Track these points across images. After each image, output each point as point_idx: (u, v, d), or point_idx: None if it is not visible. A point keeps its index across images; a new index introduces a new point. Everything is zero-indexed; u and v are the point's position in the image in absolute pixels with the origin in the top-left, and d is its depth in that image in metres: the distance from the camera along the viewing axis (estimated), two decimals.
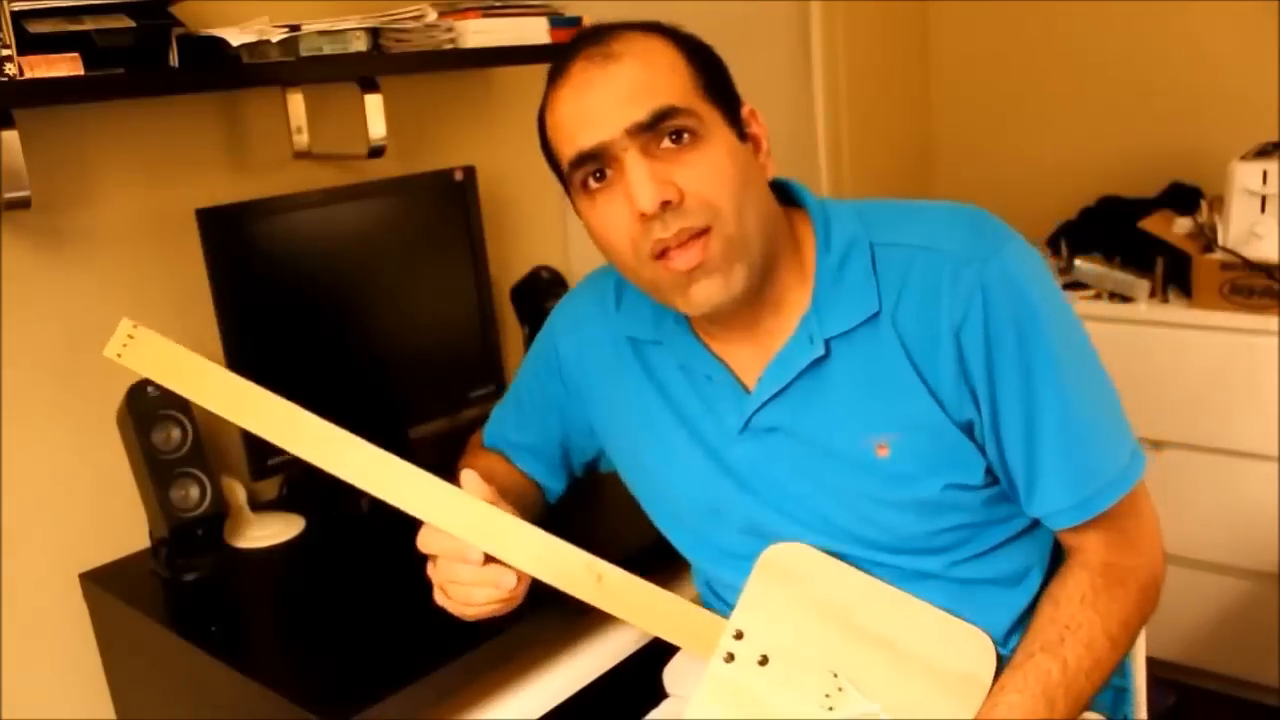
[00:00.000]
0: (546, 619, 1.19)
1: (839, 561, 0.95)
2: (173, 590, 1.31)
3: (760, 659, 0.94)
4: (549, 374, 1.14)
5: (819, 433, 0.95)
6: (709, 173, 0.88)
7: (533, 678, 1.20)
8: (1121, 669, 1.07)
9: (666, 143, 0.88)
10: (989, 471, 0.93)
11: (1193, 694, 2.12)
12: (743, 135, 0.93)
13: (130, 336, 0.92)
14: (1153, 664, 1.16)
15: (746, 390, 0.98)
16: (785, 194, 1.00)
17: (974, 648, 0.94)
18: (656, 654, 1.22)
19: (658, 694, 1.21)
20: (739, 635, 0.95)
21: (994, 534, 0.96)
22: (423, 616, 1.18)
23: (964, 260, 0.90)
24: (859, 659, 0.93)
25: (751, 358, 0.98)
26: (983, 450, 0.93)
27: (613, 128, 0.87)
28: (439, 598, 0.96)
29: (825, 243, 0.96)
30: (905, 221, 0.96)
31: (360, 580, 1.30)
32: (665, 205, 0.87)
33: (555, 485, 1.19)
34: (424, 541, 0.94)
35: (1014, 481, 0.94)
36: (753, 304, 0.94)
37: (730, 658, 0.94)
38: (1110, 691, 1.05)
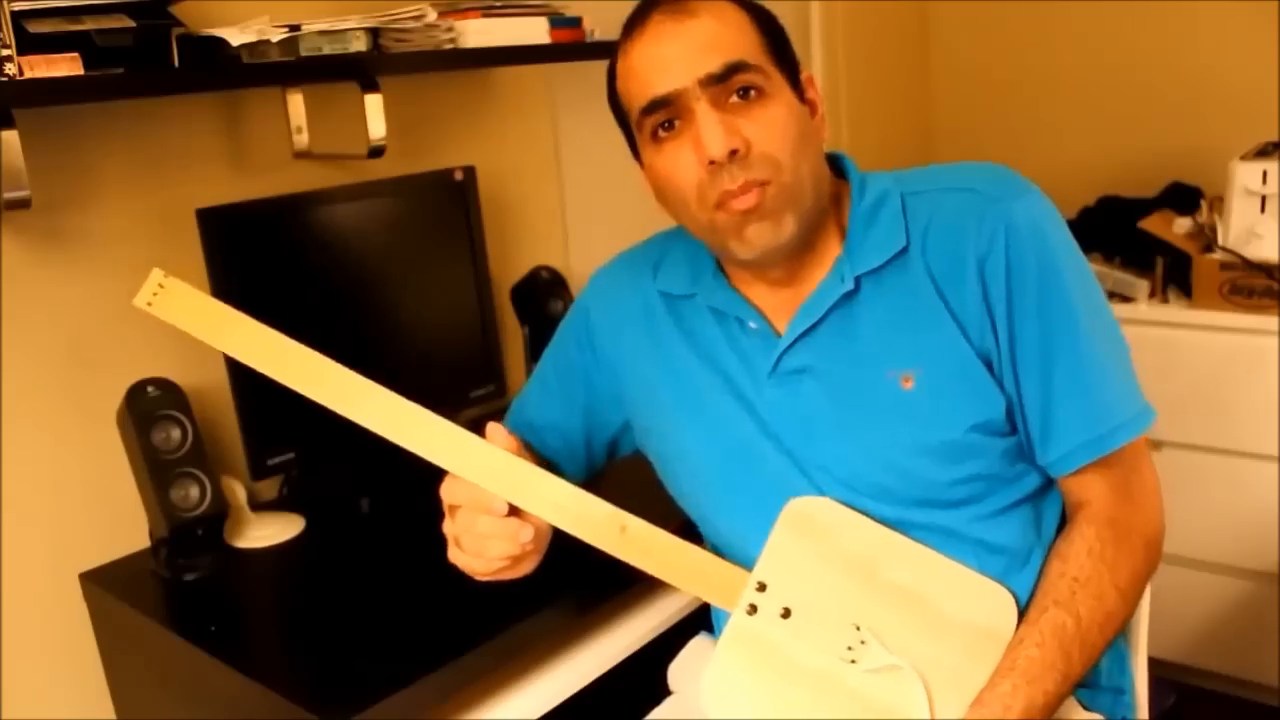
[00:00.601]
0: (547, 619, 1.19)
1: (862, 515, 0.96)
2: (173, 590, 1.31)
3: (783, 611, 0.94)
4: (578, 344, 1.15)
5: (846, 371, 0.97)
6: (773, 128, 0.93)
7: (533, 678, 1.20)
8: (1120, 668, 1.07)
9: (734, 98, 0.93)
10: (1009, 416, 0.96)
11: (1193, 694, 2.12)
12: (802, 99, 0.99)
13: (161, 286, 0.93)
14: (1153, 664, 1.16)
15: (778, 334, 1.01)
16: (830, 164, 1.05)
17: (995, 603, 0.94)
18: (659, 652, 1.23)
19: (660, 692, 1.21)
20: (761, 587, 0.95)
21: (1007, 493, 0.98)
22: (423, 616, 1.18)
23: (991, 198, 0.95)
24: (881, 611, 0.93)
25: (784, 305, 1.01)
26: (1001, 386, 0.95)
27: (686, 77, 0.92)
28: (452, 553, 0.97)
29: (860, 194, 1.01)
30: (935, 174, 1.03)
31: (360, 580, 1.30)
32: (733, 154, 0.91)
33: (572, 470, 1.19)
34: (448, 491, 0.95)
35: (1028, 420, 0.96)
36: (791, 258, 0.98)
37: (753, 610, 0.95)
38: (1109, 693, 1.05)
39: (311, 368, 0.93)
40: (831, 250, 1.01)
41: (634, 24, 0.97)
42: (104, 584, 1.34)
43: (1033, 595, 0.97)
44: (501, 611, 1.16)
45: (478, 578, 0.97)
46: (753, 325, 1.02)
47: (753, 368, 1.02)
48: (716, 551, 1.09)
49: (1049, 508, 1.02)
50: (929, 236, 0.96)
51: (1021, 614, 0.96)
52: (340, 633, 1.18)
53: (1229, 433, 1.99)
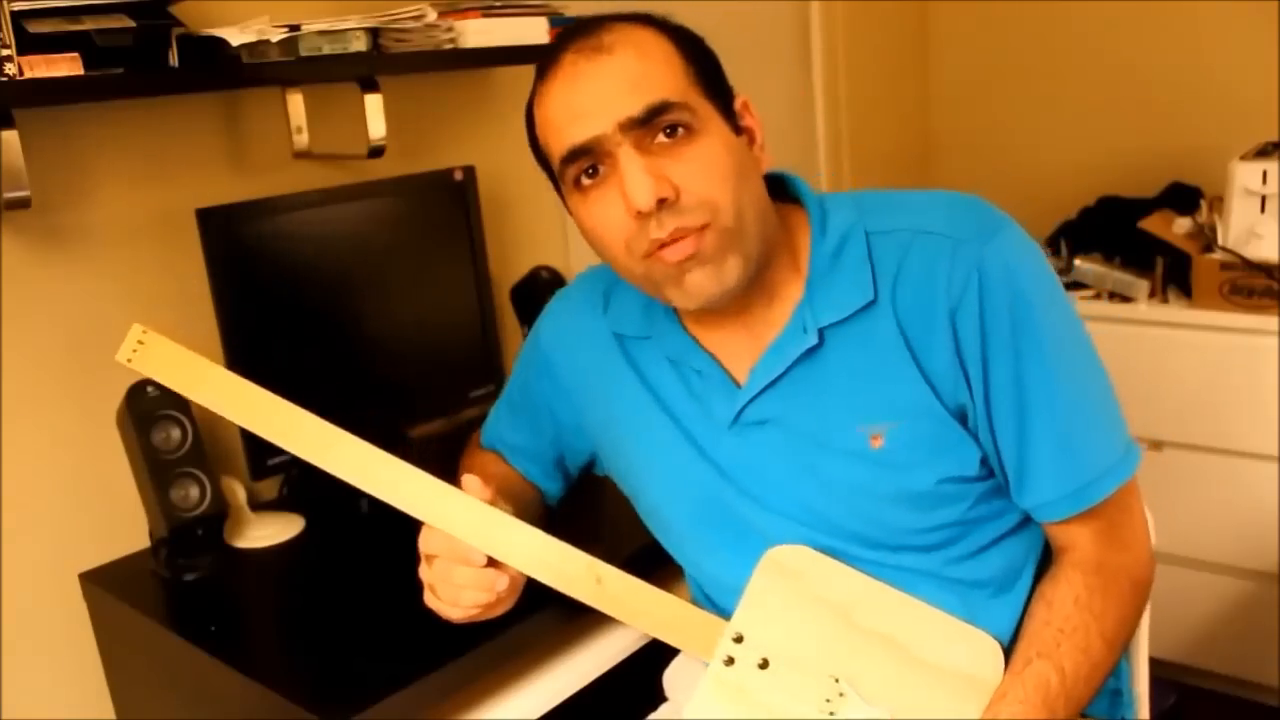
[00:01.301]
0: (546, 620, 1.18)
1: (840, 563, 0.95)
2: (173, 590, 1.31)
3: (760, 662, 0.93)
4: (538, 375, 1.14)
5: (812, 423, 0.94)
6: (705, 168, 0.87)
7: (533, 678, 1.20)
8: (1117, 671, 1.07)
9: (661, 137, 0.86)
10: (984, 463, 0.93)
11: (1193, 694, 2.12)
12: (737, 129, 0.92)
13: (141, 342, 0.93)
14: (1153, 664, 1.16)
15: (737, 384, 0.97)
16: (779, 187, 1.00)
17: (977, 649, 0.93)
18: (655, 656, 1.22)
19: (657, 697, 1.21)
20: (739, 638, 0.94)
21: (986, 531, 0.96)
22: (423, 616, 1.18)
23: (961, 241, 0.89)
24: (861, 661, 0.92)
25: (743, 349, 0.97)
26: (976, 439, 0.92)
27: (605, 122, 0.85)
28: (428, 598, 0.96)
29: (821, 230, 0.95)
30: (901, 208, 0.95)
31: (360, 580, 1.30)
32: (661, 203, 0.85)
33: (552, 488, 1.18)
34: (425, 542, 0.93)
35: (1006, 470, 0.93)
36: (745, 296, 0.93)
37: (730, 661, 0.94)
38: (1106, 696, 1.04)
39: (291, 421, 0.93)
40: (790, 289, 0.95)
41: (547, 65, 0.90)
42: (104, 584, 1.34)
43: (1020, 624, 0.95)
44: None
45: (453, 622, 0.96)
46: (708, 374, 0.98)
47: (711, 416, 0.98)
48: (697, 584, 1.09)
49: (1034, 531, 1.00)
50: (898, 286, 0.91)
51: (1008, 641, 0.94)
52: (340, 633, 1.18)
53: (1229, 433, 1.98)
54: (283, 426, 0.93)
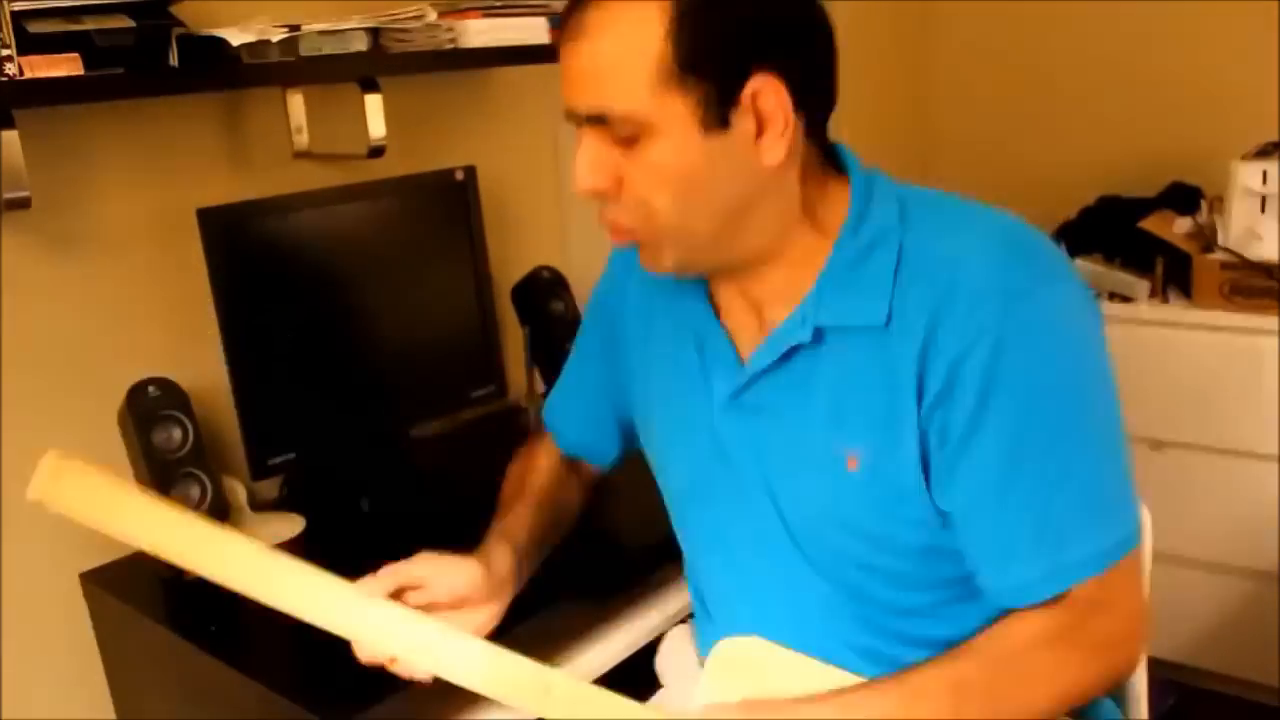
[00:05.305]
0: (546, 620, 1.19)
1: (792, 652, 0.92)
2: (173, 590, 1.31)
3: None
4: (596, 324, 1.14)
5: (799, 426, 0.90)
6: (647, 172, 0.84)
7: None
8: None
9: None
10: (939, 515, 0.87)
11: (1193, 694, 2.12)
12: (724, 119, 0.82)
13: (56, 475, 0.88)
14: (1153, 664, 1.16)
15: (742, 362, 0.94)
16: (832, 156, 0.95)
17: None
18: (654, 654, 1.22)
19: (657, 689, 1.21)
20: None
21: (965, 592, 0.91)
22: None
23: (990, 292, 0.82)
24: None
25: (752, 329, 0.94)
26: (948, 494, 0.86)
27: (570, 103, 0.86)
28: None
29: (856, 223, 0.88)
30: (947, 230, 0.87)
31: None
32: (598, 192, 0.86)
33: (609, 449, 1.16)
34: (359, 653, 0.94)
35: (972, 544, 0.87)
36: (759, 274, 0.91)
37: None
38: (1107, 698, 1.04)
39: (224, 551, 0.90)
40: (809, 274, 0.89)
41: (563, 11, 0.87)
42: (104, 584, 1.34)
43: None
44: None
45: None
46: (714, 344, 0.96)
47: (713, 387, 0.96)
48: (693, 579, 1.08)
49: None
50: (911, 317, 0.84)
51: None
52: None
53: (1229, 433, 1.99)
54: (214, 557, 0.89)
